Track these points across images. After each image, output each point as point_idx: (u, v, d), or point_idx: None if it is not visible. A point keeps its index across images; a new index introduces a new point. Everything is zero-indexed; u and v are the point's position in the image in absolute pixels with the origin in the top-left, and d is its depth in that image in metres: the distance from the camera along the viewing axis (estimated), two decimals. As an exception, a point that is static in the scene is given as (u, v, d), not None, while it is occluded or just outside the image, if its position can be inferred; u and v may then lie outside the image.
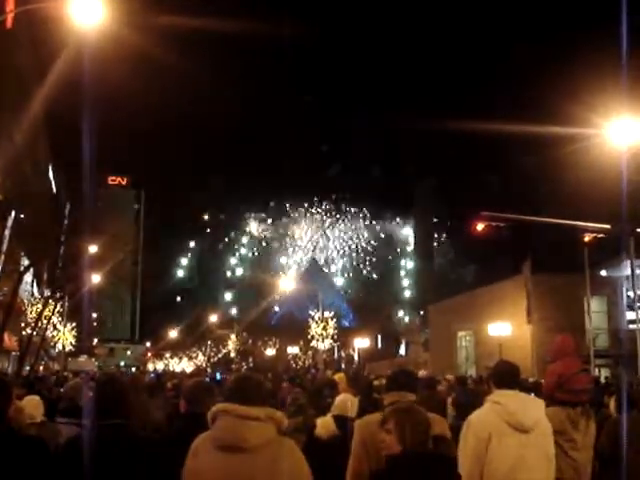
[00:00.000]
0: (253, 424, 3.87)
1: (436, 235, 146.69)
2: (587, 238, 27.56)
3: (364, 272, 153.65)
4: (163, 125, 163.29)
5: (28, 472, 4.44)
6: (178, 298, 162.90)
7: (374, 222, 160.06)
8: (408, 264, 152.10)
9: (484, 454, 5.00)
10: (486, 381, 11.40)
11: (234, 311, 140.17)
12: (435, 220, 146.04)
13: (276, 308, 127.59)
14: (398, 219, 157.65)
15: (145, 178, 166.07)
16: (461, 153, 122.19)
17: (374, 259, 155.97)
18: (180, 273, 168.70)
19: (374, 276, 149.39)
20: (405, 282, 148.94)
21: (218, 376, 18.42)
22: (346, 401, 7.07)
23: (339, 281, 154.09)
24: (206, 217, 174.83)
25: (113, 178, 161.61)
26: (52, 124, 54.95)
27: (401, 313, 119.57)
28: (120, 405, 4.78)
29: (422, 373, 17.59)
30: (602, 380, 22.37)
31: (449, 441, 5.02)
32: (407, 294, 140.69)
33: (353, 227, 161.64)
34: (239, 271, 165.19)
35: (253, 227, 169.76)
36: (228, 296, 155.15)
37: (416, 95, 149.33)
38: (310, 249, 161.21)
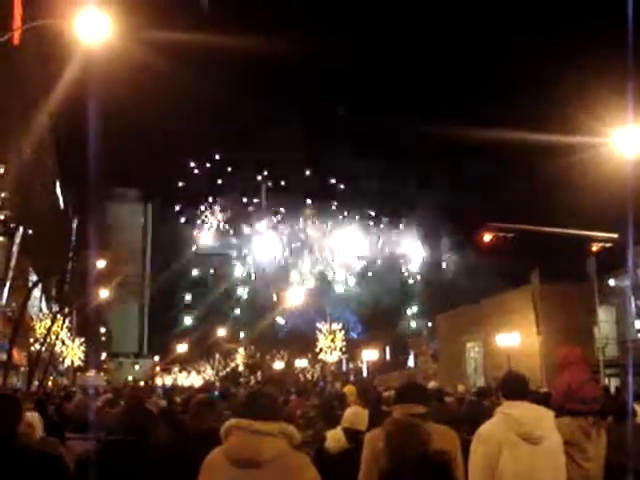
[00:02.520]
0: (266, 439, 3.89)
1: (443, 245, 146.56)
2: (595, 247, 27.53)
3: (372, 283, 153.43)
4: (169, 139, 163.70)
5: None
6: (186, 302, 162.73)
7: (377, 230, 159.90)
8: (415, 274, 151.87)
9: (495, 466, 4.98)
10: (495, 392, 11.38)
11: (241, 323, 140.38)
12: (442, 231, 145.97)
13: (283, 321, 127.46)
14: (402, 227, 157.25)
15: (152, 192, 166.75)
16: (465, 162, 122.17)
17: (382, 270, 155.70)
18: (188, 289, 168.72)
19: (381, 287, 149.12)
20: (412, 291, 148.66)
21: (215, 393, 18.40)
22: (356, 414, 7.06)
23: (346, 293, 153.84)
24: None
25: (120, 193, 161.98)
26: (59, 139, 55.21)
27: (409, 324, 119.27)
28: (152, 422, 4.84)
29: (432, 384, 17.51)
30: (612, 390, 22.28)
31: (449, 455, 4.98)
32: (415, 305, 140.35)
33: (359, 237, 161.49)
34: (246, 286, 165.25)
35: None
36: (236, 310, 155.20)
37: (416, 101, 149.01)
38: (319, 260, 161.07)
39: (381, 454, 4.38)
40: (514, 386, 5.35)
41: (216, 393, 19.05)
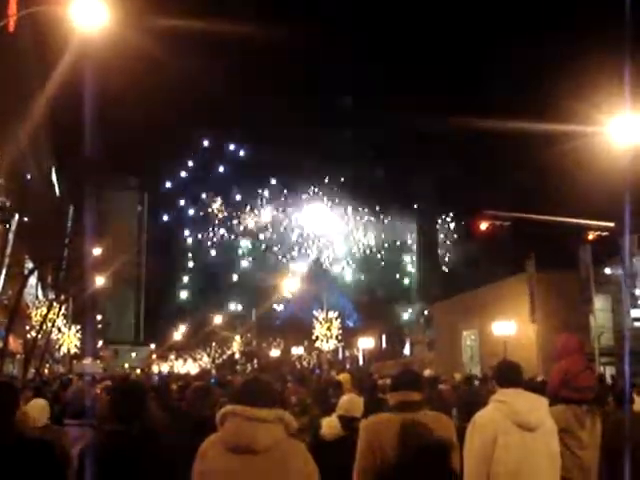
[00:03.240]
0: (262, 426, 3.89)
1: (440, 234, 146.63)
2: (591, 236, 27.60)
3: (368, 271, 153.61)
4: (167, 127, 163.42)
5: (34, 474, 4.47)
6: (183, 296, 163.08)
7: (375, 219, 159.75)
8: (412, 262, 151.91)
9: (491, 454, 5.00)
10: (490, 380, 11.40)
11: (239, 308, 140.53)
12: (438, 218, 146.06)
13: (280, 308, 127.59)
14: (399, 214, 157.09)
15: (149, 179, 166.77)
16: (461, 150, 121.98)
17: (378, 257, 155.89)
18: (185, 277, 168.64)
19: (378, 275, 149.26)
20: (408, 280, 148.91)
21: (212, 381, 18.48)
22: (351, 401, 7.07)
23: (343, 280, 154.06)
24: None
25: (116, 180, 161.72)
26: (55, 126, 55.09)
27: (405, 312, 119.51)
28: (141, 410, 4.85)
29: (427, 373, 17.56)
30: (607, 378, 22.36)
31: (452, 444, 5.00)
32: (411, 293, 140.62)
33: (357, 224, 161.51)
34: (244, 266, 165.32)
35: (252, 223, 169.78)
36: (232, 295, 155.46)
37: (414, 91, 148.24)
38: (314, 247, 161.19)
39: (388, 446, 4.39)
40: (508, 374, 5.37)
41: (212, 381, 19.11)
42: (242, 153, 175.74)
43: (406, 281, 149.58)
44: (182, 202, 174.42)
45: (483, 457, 5.01)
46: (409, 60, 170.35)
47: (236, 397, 4.08)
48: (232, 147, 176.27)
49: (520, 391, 5.22)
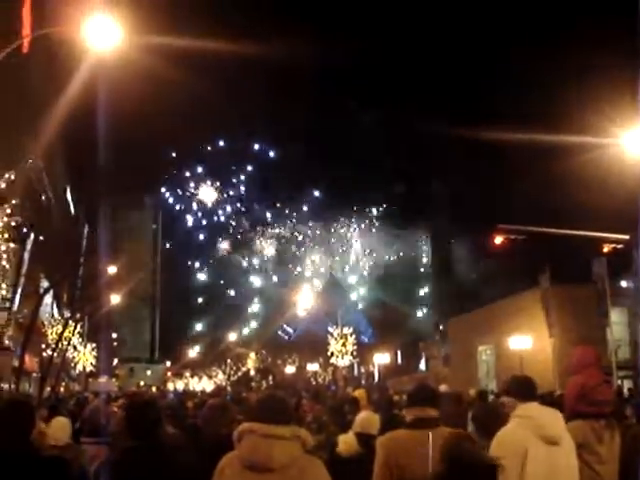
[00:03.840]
0: (279, 443, 3.88)
1: (454, 247, 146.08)
2: (606, 249, 27.42)
3: (383, 286, 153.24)
4: (181, 146, 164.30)
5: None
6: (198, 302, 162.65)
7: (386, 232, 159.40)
8: (426, 278, 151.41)
9: (519, 470, 4.96)
10: (502, 394, 11.31)
11: (253, 325, 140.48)
12: (452, 233, 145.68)
13: (290, 328, 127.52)
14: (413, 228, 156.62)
15: (163, 198, 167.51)
16: (475, 162, 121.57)
17: (393, 272, 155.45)
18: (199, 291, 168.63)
19: (393, 290, 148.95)
20: (423, 295, 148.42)
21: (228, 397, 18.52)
22: (368, 419, 7.06)
23: (357, 296, 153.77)
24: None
25: (131, 199, 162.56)
26: (69, 146, 55.42)
27: (421, 328, 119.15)
28: (155, 427, 4.86)
29: (443, 388, 17.47)
30: (625, 392, 22.19)
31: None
32: (425, 308, 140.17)
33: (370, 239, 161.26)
34: (258, 284, 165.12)
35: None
36: (251, 309, 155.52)
37: (426, 100, 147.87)
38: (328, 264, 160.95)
39: (405, 463, 4.38)
40: (527, 388, 5.35)
41: (227, 397, 19.09)
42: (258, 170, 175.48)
43: (421, 294, 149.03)
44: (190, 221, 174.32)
45: (514, 473, 4.97)
46: (417, 68, 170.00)
47: (253, 414, 4.08)
48: (249, 168, 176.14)
49: (539, 405, 5.21)
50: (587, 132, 25.75)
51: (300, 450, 3.95)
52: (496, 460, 4.22)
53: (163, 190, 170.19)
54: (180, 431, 8.03)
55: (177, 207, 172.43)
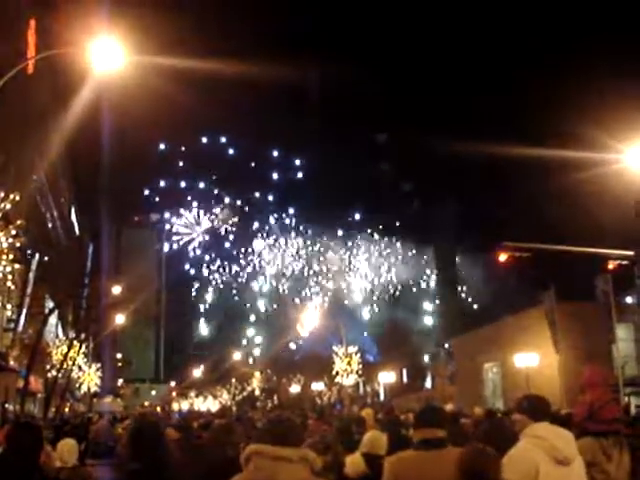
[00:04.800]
0: (286, 465, 3.86)
1: (458, 265, 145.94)
2: (611, 265, 27.35)
3: (387, 304, 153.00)
4: (187, 165, 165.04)
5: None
6: (203, 332, 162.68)
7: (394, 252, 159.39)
8: (431, 296, 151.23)
9: None
10: (513, 412, 11.25)
11: (257, 346, 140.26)
12: (457, 251, 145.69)
13: (294, 346, 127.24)
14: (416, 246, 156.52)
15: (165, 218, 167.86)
16: (479, 181, 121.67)
17: (397, 291, 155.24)
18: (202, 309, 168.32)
19: (397, 308, 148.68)
20: (428, 314, 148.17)
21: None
22: (375, 439, 7.02)
23: (362, 315, 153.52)
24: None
25: (134, 219, 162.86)
26: (74, 166, 55.68)
27: (426, 346, 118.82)
28: (156, 449, 4.84)
29: (449, 407, 17.38)
30: (632, 409, 22.08)
31: None
32: (430, 326, 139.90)
33: (375, 258, 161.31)
34: (261, 306, 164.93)
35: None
36: (251, 332, 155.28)
37: (429, 118, 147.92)
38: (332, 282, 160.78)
39: (408, 478, 4.36)
40: (540, 407, 5.30)
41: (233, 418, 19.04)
42: (271, 197, 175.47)
43: (426, 315, 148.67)
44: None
45: None
46: (417, 85, 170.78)
47: (261, 436, 4.06)
48: (256, 194, 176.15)
49: (551, 425, 5.16)
50: (591, 148, 25.81)
51: (308, 472, 3.93)
52: None
53: (167, 215, 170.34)
54: (186, 452, 8.00)
55: (181, 229, 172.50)
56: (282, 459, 3.86)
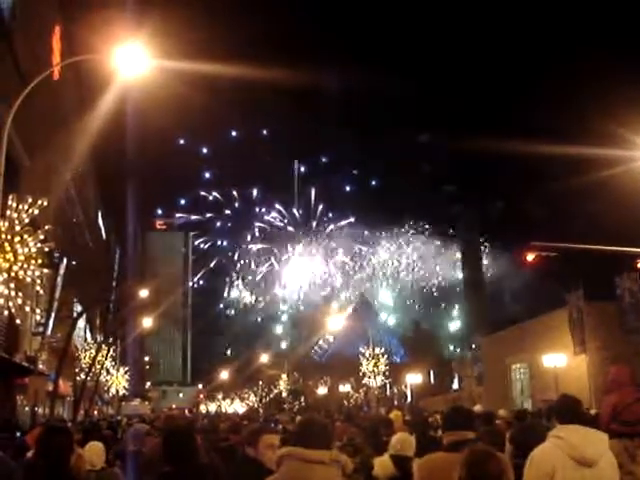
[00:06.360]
0: (318, 467, 3.86)
1: (484, 263, 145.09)
2: (640, 264, 27.12)
3: (412, 303, 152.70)
4: (216, 172, 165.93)
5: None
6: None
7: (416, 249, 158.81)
8: (458, 296, 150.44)
9: None
10: (544, 415, 11.19)
11: (284, 346, 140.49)
12: (484, 251, 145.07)
13: (324, 345, 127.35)
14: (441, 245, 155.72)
15: (193, 221, 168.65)
16: (506, 179, 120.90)
17: (424, 290, 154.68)
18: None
19: (424, 309, 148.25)
20: (456, 313, 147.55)
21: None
22: (403, 440, 6.99)
23: (388, 316, 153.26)
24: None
25: (160, 222, 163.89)
26: (100, 170, 56.11)
27: (453, 347, 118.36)
28: (193, 451, 4.88)
29: (477, 408, 17.30)
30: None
31: None
32: (458, 326, 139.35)
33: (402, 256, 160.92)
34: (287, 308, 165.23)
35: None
36: (279, 330, 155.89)
37: (450, 116, 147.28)
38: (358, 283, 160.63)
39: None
40: (567, 410, 5.29)
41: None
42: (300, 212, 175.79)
43: (454, 317, 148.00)
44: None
45: None
46: (440, 82, 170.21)
47: (293, 439, 4.07)
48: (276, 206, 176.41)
49: (578, 427, 5.13)
50: (616, 145, 25.57)
51: (339, 475, 3.93)
52: None
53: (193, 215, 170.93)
54: (215, 453, 8.02)
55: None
56: (314, 461, 3.87)
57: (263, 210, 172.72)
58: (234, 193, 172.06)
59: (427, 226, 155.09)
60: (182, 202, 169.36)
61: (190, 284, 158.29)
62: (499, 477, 4.12)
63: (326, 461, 3.89)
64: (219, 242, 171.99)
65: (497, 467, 4.17)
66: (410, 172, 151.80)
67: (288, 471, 3.91)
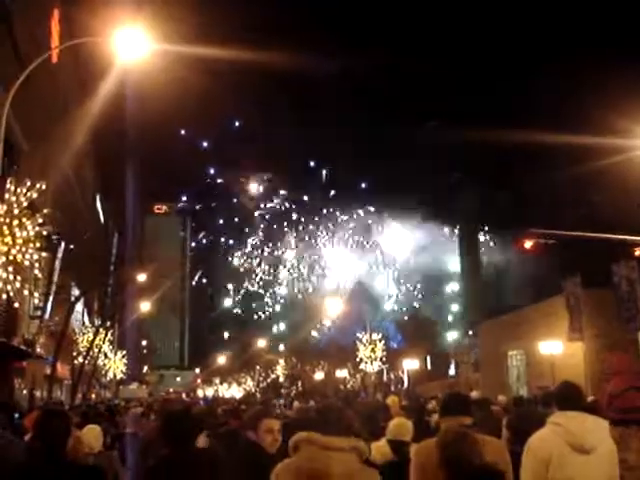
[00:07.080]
0: (336, 454, 3.88)
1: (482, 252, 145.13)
2: (638, 252, 27.18)
3: (410, 290, 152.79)
4: (213, 156, 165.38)
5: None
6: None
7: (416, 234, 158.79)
8: (455, 279, 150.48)
9: (545, 475, 4.96)
10: (540, 402, 11.23)
11: (282, 328, 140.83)
12: (481, 237, 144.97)
13: (317, 334, 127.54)
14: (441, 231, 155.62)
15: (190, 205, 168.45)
16: (505, 165, 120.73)
17: (420, 277, 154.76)
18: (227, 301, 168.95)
19: (421, 295, 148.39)
20: (452, 296, 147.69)
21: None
22: (400, 425, 7.03)
23: (386, 302, 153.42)
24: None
25: (159, 206, 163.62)
26: (98, 155, 55.93)
27: (449, 333, 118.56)
28: (194, 434, 4.92)
29: (474, 394, 17.36)
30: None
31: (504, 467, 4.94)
32: (455, 312, 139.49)
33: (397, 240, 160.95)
34: (284, 291, 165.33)
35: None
36: (276, 312, 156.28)
37: (446, 104, 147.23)
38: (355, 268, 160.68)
39: (435, 465, 4.36)
40: (566, 396, 5.33)
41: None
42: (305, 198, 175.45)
43: (450, 295, 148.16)
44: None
45: (537, 478, 4.98)
46: (442, 69, 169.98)
47: (311, 425, 4.08)
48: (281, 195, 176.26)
49: (577, 414, 5.17)
50: (614, 134, 25.58)
51: (358, 462, 3.95)
52: (494, 465, 4.18)
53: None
54: (214, 438, 8.06)
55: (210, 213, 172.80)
56: (332, 448, 3.88)
57: (266, 193, 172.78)
58: (234, 178, 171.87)
59: (427, 211, 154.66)
60: (182, 186, 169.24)
61: (188, 268, 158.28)
62: (474, 457, 4.13)
63: (346, 448, 3.91)
64: (219, 220, 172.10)
65: (471, 448, 4.18)
66: (413, 158, 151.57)
67: (307, 457, 3.92)
